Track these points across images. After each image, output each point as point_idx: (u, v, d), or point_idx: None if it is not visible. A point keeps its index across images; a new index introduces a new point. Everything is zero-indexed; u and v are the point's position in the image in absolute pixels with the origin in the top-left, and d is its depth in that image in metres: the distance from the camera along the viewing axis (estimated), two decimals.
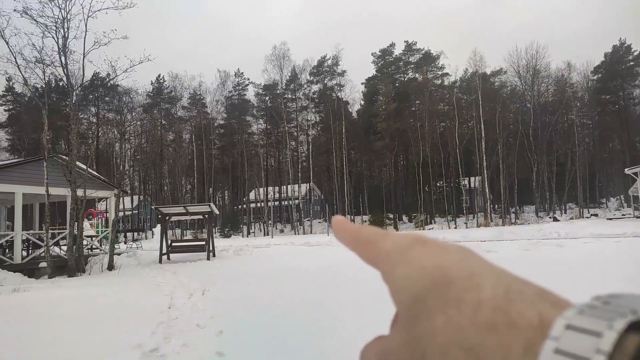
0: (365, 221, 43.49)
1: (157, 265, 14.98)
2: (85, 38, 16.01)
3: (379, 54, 53.72)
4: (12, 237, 14.41)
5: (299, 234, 39.40)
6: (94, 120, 47.30)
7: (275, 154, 52.31)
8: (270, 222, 42.38)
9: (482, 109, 38.89)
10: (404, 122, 42.91)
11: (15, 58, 14.67)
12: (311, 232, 39.44)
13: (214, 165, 48.26)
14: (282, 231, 43.56)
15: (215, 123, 52.11)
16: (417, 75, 51.43)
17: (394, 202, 44.01)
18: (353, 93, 50.32)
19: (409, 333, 0.23)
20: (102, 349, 5.01)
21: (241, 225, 45.37)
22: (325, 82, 49.73)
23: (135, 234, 29.59)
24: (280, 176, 48.09)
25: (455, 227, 37.08)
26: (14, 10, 15.10)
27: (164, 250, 16.04)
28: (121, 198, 17.10)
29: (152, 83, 52.73)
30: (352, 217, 41.40)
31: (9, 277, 11.78)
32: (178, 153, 48.14)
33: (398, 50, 53.09)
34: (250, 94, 54.60)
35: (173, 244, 17.04)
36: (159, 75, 53.37)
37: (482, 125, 39.13)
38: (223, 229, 43.68)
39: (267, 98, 51.75)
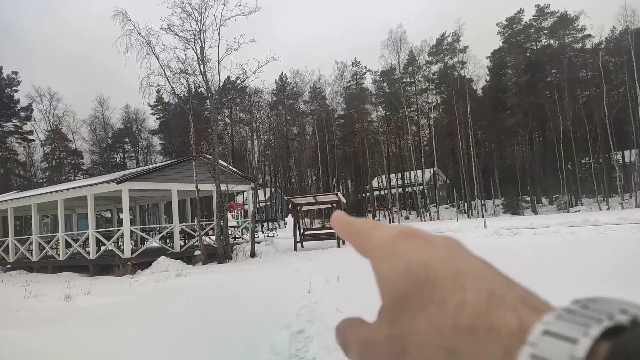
0: (497, 205, 40.66)
1: (292, 252, 15.91)
2: (218, 46, 17.51)
3: (505, 23, 49.31)
4: (171, 229, 16.56)
5: (425, 220, 38.44)
6: (228, 121, 51.88)
7: (396, 140, 51.62)
8: (395, 209, 42.00)
9: (638, 71, 33.35)
10: (538, 95, 38.79)
11: (164, 71, 16.71)
12: (438, 219, 38.18)
13: (336, 155, 49.47)
14: (407, 218, 42.95)
15: (336, 114, 53.29)
16: (551, 41, 46.06)
17: (530, 184, 40.31)
18: (477, 69, 46.70)
19: (391, 329, 0.23)
20: (253, 327, 5.45)
21: (366, 213, 45.88)
22: (446, 61, 47.32)
23: (270, 223, 31.84)
24: (402, 162, 47.33)
25: (608, 209, 32.58)
26: (160, 28, 17.15)
27: (298, 239, 16.96)
28: (257, 191, 18.47)
29: (276, 81, 55.93)
30: (482, 201, 39.01)
31: (172, 264, 13.57)
32: (302, 146, 50.39)
33: (528, 17, 48.12)
34: (368, 81, 54.60)
35: (305, 233, 17.91)
36: (282, 73, 56.39)
37: (638, 90, 33.58)
38: None
39: (385, 84, 51.20)
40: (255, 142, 43.83)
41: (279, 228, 30.51)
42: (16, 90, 48.84)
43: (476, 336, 0.20)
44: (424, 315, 0.22)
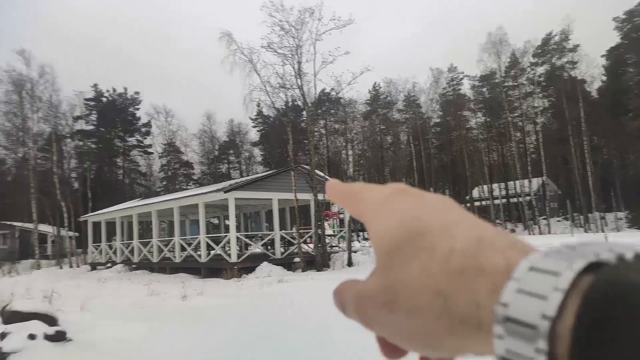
0: (620, 219, 36.23)
1: None
2: (314, 60, 18.08)
3: (624, 17, 44.20)
4: (272, 236, 17.30)
5: (533, 233, 35.53)
6: (323, 132, 53.15)
7: (498, 148, 48.67)
8: (498, 220, 39.48)
9: None
10: None
11: (265, 86, 17.66)
12: (549, 232, 35.06)
13: (433, 165, 48.00)
14: (513, 231, 40.08)
15: (431, 122, 51.85)
16: None
17: None
18: (590, 69, 42.32)
19: (384, 279, 0.24)
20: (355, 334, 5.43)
21: None
22: (553, 61, 43.68)
23: (366, 233, 31.75)
24: (505, 171, 44.43)
25: None
26: (261, 46, 18.20)
27: None
28: None
29: (369, 91, 56.13)
30: (601, 214, 35.06)
31: (274, 269, 14.15)
32: (397, 155, 49.74)
33: None
34: (466, 87, 52.40)
35: None
36: (375, 83, 56.46)
37: None
38: None
39: (484, 89, 48.69)
40: (350, 152, 44.25)
41: None
42: (137, 109, 55.14)
43: (464, 277, 0.20)
44: (415, 262, 0.23)
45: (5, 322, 5.94)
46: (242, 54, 17.98)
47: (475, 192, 44.32)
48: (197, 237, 16.97)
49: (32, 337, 5.23)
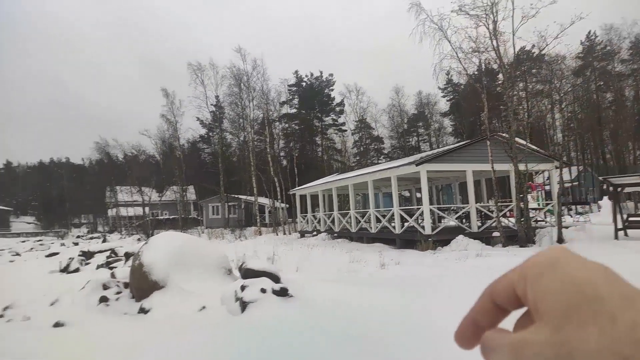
0: None
1: (612, 241, 13.44)
2: (512, 16, 16.25)
3: None
4: (467, 209, 16.65)
5: None
6: (523, 95, 47.81)
7: None
8: None
9: None
10: None
11: (456, 53, 16.76)
12: None
13: None
14: None
15: None
16: None
17: None
18: None
19: (556, 334, 0.25)
20: None
21: None
22: None
23: (579, 207, 27.79)
24: None
25: None
26: (451, 11, 17.21)
27: (619, 225, 14.19)
28: (561, 170, 16.39)
29: (581, 42, 47.90)
30: None
31: (471, 243, 13.65)
32: (620, 115, 41.51)
33: None
34: None
35: (630, 219, 14.80)
36: (589, 32, 47.79)
37: None
38: None
39: None
40: (557, 116, 38.83)
41: (591, 212, 26.25)
42: (332, 90, 59.17)
43: None
44: (594, 327, 0.24)
45: (243, 277, 7.24)
46: (432, 22, 17.40)
47: None
48: (390, 209, 17.49)
49: (263, 290, 6.23)
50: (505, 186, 25.18)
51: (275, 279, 7.57)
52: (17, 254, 24.41)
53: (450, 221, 17.32)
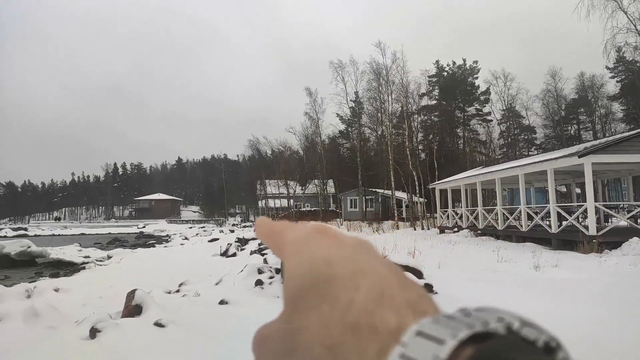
0: None
1: None
2: None
3: None
4: None
5: None
6: None
7: None
8: None
9: None
10: None
11: (635, 25, 14.27)
12: None
13: None
14: None
15: None
16: None
17: None
18: None
19: (287, 324, 0.23)
20: None
21: None
22: None
23: None
24: None
25: None
26: None
27: None
28: None
29: None
30: None
31: None
32: None
33: None
34: None
35: None
36: None
37: None
38: None
39: None
40: None
41: None
42: (476, 78, 55.60)
43: (357, 334, 0.19)
44: (316, 311, 0.22)
45: None
46: None
47: None
48: (544, 206, 15.76)
49: None
50: None
51: (419, 274, 7.45)
52: (186, 238, 28.81)
53: (621, 221, 14.94)
